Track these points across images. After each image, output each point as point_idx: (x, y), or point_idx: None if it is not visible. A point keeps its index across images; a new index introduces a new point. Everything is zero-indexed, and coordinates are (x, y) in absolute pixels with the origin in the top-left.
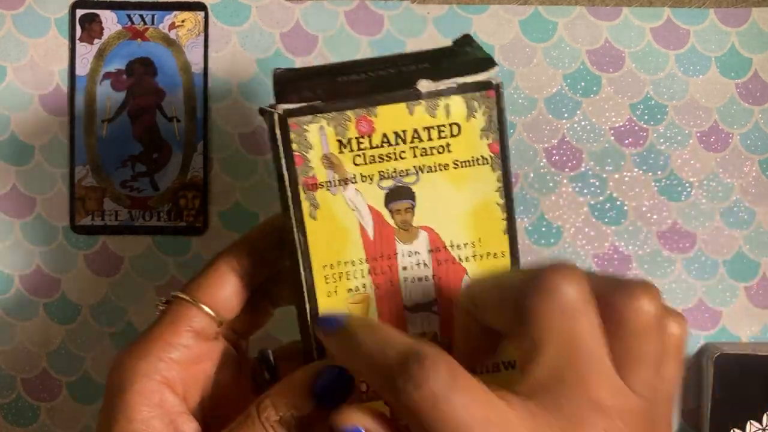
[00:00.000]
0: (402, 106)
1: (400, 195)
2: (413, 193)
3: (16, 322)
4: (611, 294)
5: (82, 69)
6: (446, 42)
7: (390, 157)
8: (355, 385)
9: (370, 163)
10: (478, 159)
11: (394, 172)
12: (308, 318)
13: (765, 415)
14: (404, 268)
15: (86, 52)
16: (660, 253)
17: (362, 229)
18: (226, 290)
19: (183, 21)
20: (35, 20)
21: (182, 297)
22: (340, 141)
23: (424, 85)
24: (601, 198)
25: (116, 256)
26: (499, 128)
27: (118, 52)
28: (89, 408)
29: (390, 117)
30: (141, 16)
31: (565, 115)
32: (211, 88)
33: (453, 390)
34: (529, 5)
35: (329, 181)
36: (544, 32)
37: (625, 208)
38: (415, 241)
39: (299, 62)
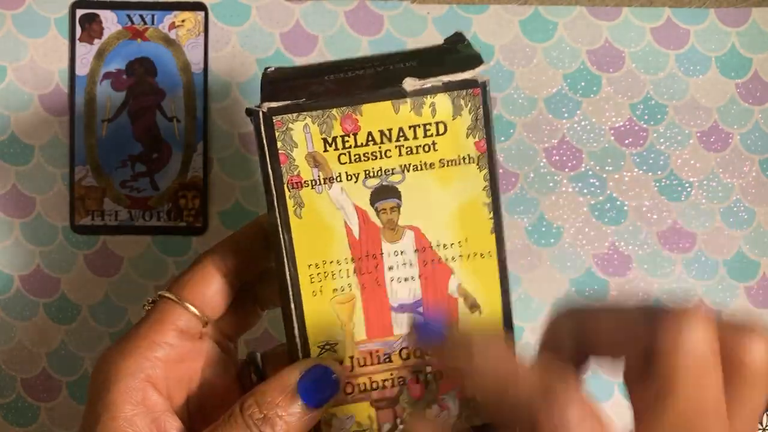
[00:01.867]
0: (387, 104)
1: (386, 194)
2: (399, 192)
3: (16, 322)
4: (732, 339)
5: (82, 69)
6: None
7: (375, 156)
8: (341, 386)
9: (356, 161)
10: (464, 158)
11: (380, 171)
12: (293, 318)
13: (765, 416)
14: (390, 268)
15: (86, 52)
16: (660, 253)
17: (348, 228)
18: (211, 289)
19: (183, 21)
20: (35, 20)
21: (168, 296)
22: (325, 139)
23: (410, 84)
24: (601, 198)
25: (116, 256)
26: (485, 126)
27: (118, 52)
28: None
29: (375, 115)
30: (141, 16)
31: (565, 115)
32: (211, 88)
33: (586, 422)
34: (529, 5)
35: (314, 180)
36: (544, 32)
37: (625, 208)
38: (401, 241)
39: (299, 62)
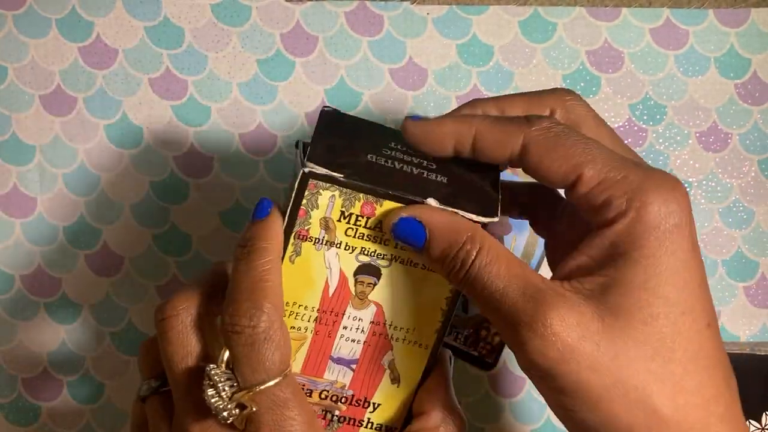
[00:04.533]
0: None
1: (369, 271)
2: (381, 273)
3: (17, 322)
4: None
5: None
6: (448, 44)
7: (376, 241)
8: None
9: (359, 238)
10: None
11: (374, 252)
12: None
13: (764, 415)
14: (345, 327)
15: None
16: None
17: (327, 286)
18: None
19: None
20: (36, 20)
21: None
22: (342, 212)
23: (431, 203)
24: None
25: (117, 255)
26: None
27: None
28: (90, 408)
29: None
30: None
31: None
32: None
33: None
34: (529, 6)
35: (318, 239)
36: (543, 33)
37: None
38: (364, 310)
39: (300, 63)
